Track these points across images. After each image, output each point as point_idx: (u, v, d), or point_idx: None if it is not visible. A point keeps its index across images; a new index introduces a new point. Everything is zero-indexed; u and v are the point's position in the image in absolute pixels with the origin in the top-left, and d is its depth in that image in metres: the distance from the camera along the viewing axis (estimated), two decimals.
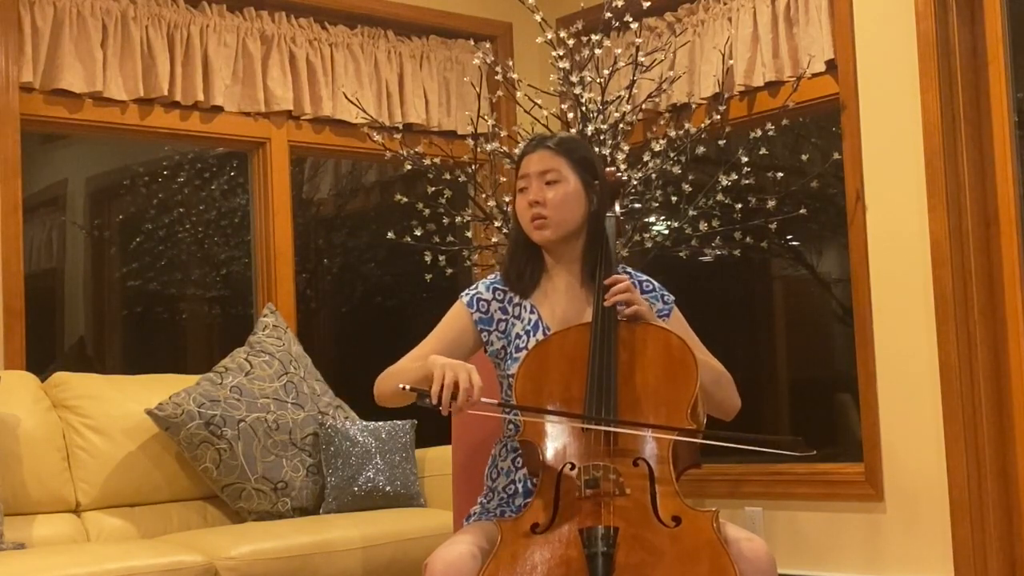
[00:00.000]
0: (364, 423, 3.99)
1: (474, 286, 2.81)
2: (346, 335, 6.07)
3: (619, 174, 2.92)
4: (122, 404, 3.75)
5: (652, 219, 4.66)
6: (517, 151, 4.42)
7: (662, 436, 2.49)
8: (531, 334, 2.73)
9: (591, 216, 2.76)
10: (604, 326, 2.60)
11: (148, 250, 5.69)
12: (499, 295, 2.78)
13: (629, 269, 2.89)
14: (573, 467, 2.47)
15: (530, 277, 2.79)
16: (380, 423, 3.99)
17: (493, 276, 2.84)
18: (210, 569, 3.19)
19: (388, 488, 3.88)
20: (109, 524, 3.63)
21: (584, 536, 2.34)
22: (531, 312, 2.76)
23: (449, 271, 4.54)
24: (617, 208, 2.85)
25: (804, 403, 5.27)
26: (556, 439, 2.54)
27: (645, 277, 2.87)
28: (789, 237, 5.05)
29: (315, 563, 3.34)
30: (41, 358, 4.26)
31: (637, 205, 3.03)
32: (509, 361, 2.73)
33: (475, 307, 2.77)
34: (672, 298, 2.86)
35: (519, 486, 2.68)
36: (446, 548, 2.46)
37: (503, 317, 2.77)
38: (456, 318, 2.78)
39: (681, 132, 4.43)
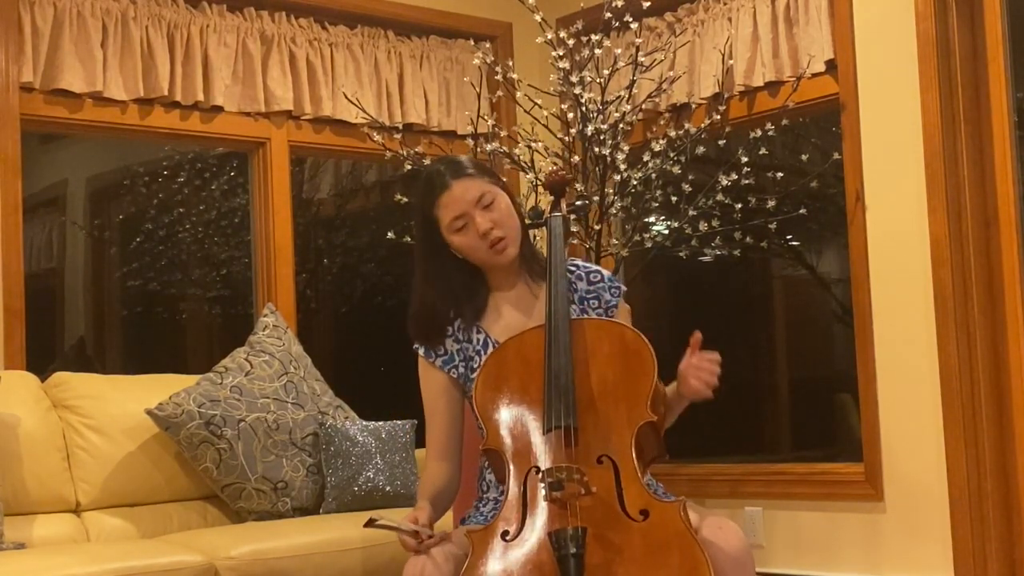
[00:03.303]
0: (364, 423, 3.99)
1: None
2: (346, 335, 6.07)
3: (562, 172, 2.91)
4: (122, 404, 3.74)
5: (652, 219, 4.66)
6: (517, 151, 4.45)
7: None
8: (481, 354, 2.73)
9: (522, 218, 2.78)
10: (557, 326, 2.59)
11: (148, 250, 5.69)
12: (447, 330, 2.77)
13: (578, 262, 2.87)
14: (538, 471, 2.47)
15: (474, 313, 2.76)
16: (380, 423, 3.99)
17: None
18: (210, 569, 3.19)
19: (388, 488, 3.88)
20: (109, 524, 3.63)
21: (553, 539, 2.34)
22: (478, 332, 2.76)
23: None
24: (563, 206, 2.84)
25: (804, 403, 5.27)
26: (519, 445, 2.53)
27: (595, 268, 2.85)
28: (789, 237, 5.05)
29: (315, 563, 3.34)
30: (41, 358, 4.26)
31: (579, 202, 3.01)
32: (468, 384, 2.74)
33: (433, 355, 2.76)
34: (621, 289, 2.83)
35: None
36: (420, 556, 2.46)
37: (458, 347, 2.76)
38: (430, 380, 2.77)
39: (681, 132, 4.43)
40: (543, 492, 2.41)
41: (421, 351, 2.77)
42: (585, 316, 2.74)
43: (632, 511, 2.38)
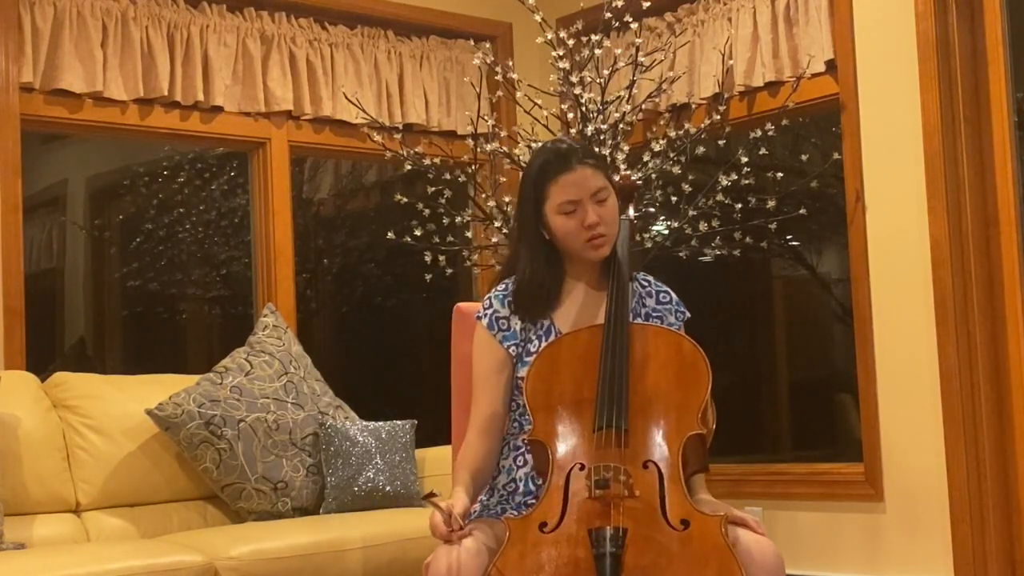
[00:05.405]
0: (364, 423, 3.99)
1: (488, 303, 2.77)
2: (346, 335, 6.07)
3: (633, 178, 2.92)
4: (122, 404, 3.75)
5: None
6: (517, 151, 4.44)
7: None
8: (543, 339, 2.72)
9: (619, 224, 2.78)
10: (617, 328, 2.60)
11: (148, 250, 5.69)
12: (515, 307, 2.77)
13: (650, 277, 2.87)
14: (583, 467, 2.47)
15: (549, 297, 2.75)
16: (380, 423, 3.99)
17: (503, 288, 2.78)
18: (210, 569, 3.19)
19: (388, 488, 3.88)
20: (109, 524, 3.63)
21: (592, 536, 2.34)
22: (544, 317, 2.76)
23: (449, 271, 4.54)
24: (631, 212, 2.85)
25: (804, 403, 5.27)
26: (566, 439, 2.53)
27: (665, 288, 2.85)
28: (789, 237, 5.05)
29: (315, 563, 3.34)
30: (41, 358, 4.26)
31: (652, 209, 3.02)
32: (520, 365, 2.73)
33: (496, 328, 2.74)
34: (685, 315, 2.84)
35: (520, 484, 2.68)
36: (450, 547, 2.46)
37: (521, 325, 2.75)
38: (487, 353, 2.74)
39: (681, 132, 4.43)
40: (587, 489, 2.41)
41: (484, 321, 2.74)
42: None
43: (673, 519, 2.38)
